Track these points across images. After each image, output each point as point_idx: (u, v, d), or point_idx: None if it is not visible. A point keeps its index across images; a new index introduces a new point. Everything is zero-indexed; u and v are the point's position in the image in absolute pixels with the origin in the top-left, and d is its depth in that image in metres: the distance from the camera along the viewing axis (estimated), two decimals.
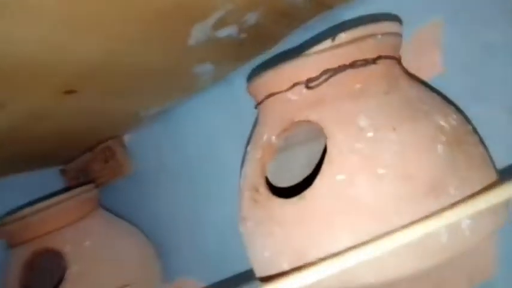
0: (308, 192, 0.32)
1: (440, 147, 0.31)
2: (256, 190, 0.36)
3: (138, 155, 0.68)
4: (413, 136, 0.31)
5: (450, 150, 0.32)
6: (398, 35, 0.38)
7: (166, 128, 0.65)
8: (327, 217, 0.31)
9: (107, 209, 0.67)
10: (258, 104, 0.39)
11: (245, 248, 0.39)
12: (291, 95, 0.35)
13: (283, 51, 0.53)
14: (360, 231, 0.30)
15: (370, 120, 0.32)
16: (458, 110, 0.39)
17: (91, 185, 0.63)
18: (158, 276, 0.64)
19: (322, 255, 0.30)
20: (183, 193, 0.65)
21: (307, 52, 0.35)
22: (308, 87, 0.34)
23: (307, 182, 0.44)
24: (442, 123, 0.33)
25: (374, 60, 0.35)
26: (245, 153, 0.41)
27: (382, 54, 0.35)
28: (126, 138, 0.69)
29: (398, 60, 0.37)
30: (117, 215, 0.67)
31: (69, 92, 0.46)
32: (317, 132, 0.46)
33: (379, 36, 0.35)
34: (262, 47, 0.54)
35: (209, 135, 0.62)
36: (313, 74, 0.34)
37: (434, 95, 0.37)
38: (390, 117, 0.32)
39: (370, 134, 0.31)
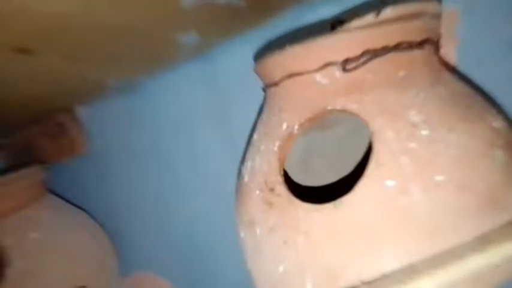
0: (348, 199, 0.26)
1: (497, 153, 0.27)
2: (272, 190, 0.29)
3: (95, 132, 0.59)
4: (471, 138, 0.27)
5: (507, 155, 0.27)
6: (440, 17, 0.33)
7: (133, 103, 0.56)
8: (371, 230, 0.25)
9: (56, 194, 0.57)
10: (271, 86, 0.33)
11: (246, 259, 0.33)
12: (321, 77, 0.29)
13: (284, 34, 0.47)
14: (411, 250, 0.25)
15: (423, 116, 0.27)
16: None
17: (38, 166, 0.53)
18: (114, 272, 0.56)
19: (361, 276, 0.25)
20: (148, 179, 0.57)
21: (344, 28, 0.29)
22: (345, 70, 0.28)
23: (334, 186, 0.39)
24: (495, 124, 0.29)
25: (420, 44, 0.29)
26: (250, 143, 0.35)
27: (428, 37, 0.30)
28: (82, 111, 0.60)
29: (438, 47, 0.32)
30: (67, 201, 0.58)
31: (23, 51, 0.37)
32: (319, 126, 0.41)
33: (428, 16, 0.30)
34: (256, 20, 0.48)
35: (183, 116, 0.54)
36: (351, 54, 0.28)
37: (475, 91, 0.32)
38: (444, 114, 0.27)
39: (425, 133, 0.26)
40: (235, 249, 0.42)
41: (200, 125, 0.54)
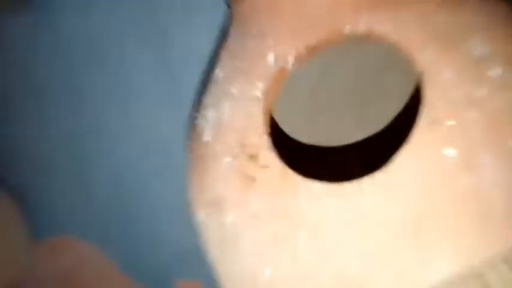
0: (383, 176, 0.17)
1: None
2: (253, 158, 0.19)
3: None
4: None
5: None
6: None
7: (35, 20, 0.42)
8: (418, 222, 0.17)
9: None
10: None
11: (208, 249, 0.23)
12: None
13: None
14: (477, 250, 0.17)
15: (490, 47, 0.18)
16: None
17: None
18: (23, 239, 0.45)
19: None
20: (59, 121, 0.45)
21: None
22: None
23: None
24: None
25: None
26: (210, 82, 0.24)
27: None
28: None
29: None
30: None
31: None
32: None
33: None
34: None
35: (104, 38, 0.42)
36: None
37: None
38: (510, 43, 0.18)
39: (495, 73, 0.17)
40: (174, 206, 0.38)
41: (126, 51, 0.41)
